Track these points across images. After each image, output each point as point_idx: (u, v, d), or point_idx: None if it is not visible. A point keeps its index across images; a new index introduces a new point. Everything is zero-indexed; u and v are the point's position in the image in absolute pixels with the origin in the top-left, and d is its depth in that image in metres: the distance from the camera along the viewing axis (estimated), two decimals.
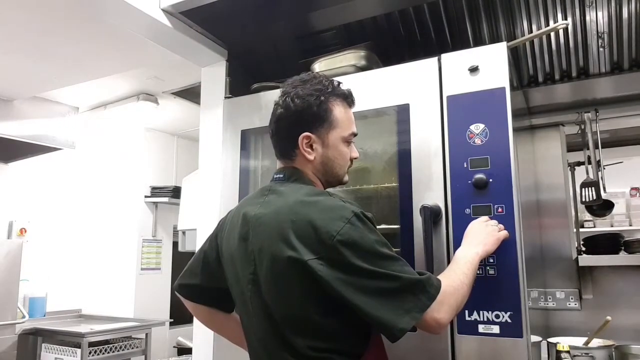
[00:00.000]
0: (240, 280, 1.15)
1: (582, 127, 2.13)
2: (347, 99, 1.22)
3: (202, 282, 1.31)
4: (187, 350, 3.45)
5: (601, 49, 1.96)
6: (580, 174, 2.15)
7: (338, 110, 1.19)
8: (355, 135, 1.24)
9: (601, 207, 2.09)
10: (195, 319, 1.50)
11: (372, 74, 1.62)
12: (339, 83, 1.23)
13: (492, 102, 1.39)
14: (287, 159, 1.20)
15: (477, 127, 1.39)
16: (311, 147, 1.17)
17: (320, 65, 1.79)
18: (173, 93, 3.62)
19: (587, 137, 2.09)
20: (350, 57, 1.72)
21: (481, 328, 1.30)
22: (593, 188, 2.05)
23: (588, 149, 2.10)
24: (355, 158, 1.25)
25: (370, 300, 0.97)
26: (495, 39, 1.94)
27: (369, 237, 1.02)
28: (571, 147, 2.21)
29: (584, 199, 2.07)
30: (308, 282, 1.01)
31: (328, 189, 1.22)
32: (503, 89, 1.38)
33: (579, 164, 2.20)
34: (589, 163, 2.10)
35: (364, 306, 0.97)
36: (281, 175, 1.19)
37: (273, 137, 1.22)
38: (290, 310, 1.06)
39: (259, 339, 1.13)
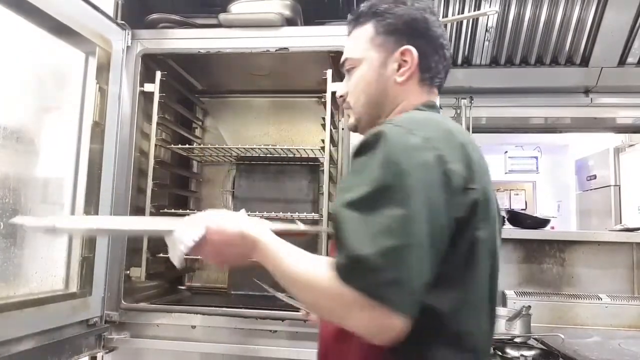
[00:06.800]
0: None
1: (458, 111, 2.34)
2: None
3: None
4: None
5: (486, 42, 2.15)
6: None
7: None
8: None
9: None
10: None
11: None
12: None
13: None
14: None
15: None
16: None
17: (238, 7, 1.59)
18: None
19: (461, 121, 2.30)
20: (276, 3, 1.56)
21: None
22: None
23: None
24: None
25: None
26: None
27: None
28: None
29: None
30: None
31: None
32: None
33: None
34: None
35: None
36: None
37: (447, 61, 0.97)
38: None
39: None
